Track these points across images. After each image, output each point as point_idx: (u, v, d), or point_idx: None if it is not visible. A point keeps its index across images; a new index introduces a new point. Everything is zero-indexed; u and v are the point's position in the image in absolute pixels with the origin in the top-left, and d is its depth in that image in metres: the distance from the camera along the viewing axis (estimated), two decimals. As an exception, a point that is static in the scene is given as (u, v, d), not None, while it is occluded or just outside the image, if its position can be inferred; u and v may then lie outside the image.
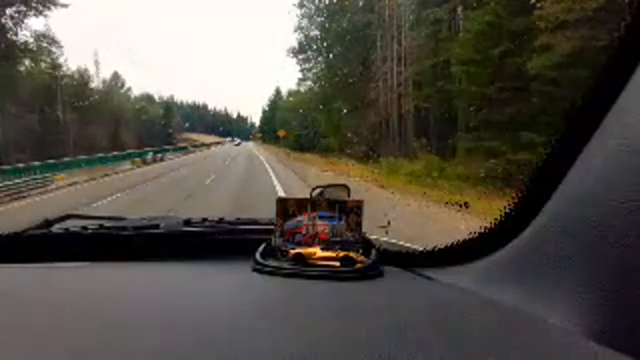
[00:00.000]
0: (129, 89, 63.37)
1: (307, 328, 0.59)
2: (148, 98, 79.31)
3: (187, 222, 1.18)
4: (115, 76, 61.73)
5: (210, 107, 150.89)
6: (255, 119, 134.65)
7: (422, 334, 0.56)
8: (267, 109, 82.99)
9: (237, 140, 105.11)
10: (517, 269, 0.66)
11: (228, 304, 0.72)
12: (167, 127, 71.68)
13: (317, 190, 1.10)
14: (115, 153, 30.98)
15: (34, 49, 31.59)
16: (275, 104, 70.89)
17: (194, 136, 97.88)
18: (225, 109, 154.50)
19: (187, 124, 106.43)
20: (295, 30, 34.84)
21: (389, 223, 2.23)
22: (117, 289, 0.82)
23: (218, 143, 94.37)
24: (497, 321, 0.61)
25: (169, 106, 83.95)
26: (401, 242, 1.11)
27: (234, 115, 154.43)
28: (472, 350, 0.50)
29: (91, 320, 0.62)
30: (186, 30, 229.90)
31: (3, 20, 28.23)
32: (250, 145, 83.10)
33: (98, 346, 0.52)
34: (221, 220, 1.24)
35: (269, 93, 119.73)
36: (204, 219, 1.23)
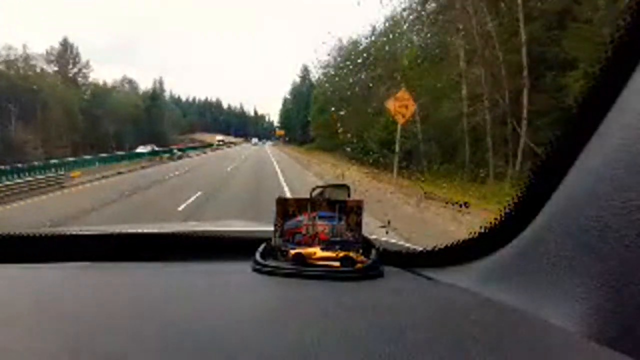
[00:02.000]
0: (86, 64, 43.79)
1: (307, 328, 0.59)
2: (130, 85, 60.85)
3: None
4: (65, 45, 40.67)
5: (225, 105, 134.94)
6: (273, 117, 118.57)
7: (422, 333, 0.56)
8: (289, 97, 64.27)
9: (254, 140, 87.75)
10: (517, 269, 0.66)
11: (228, 304, 0.72)
12: (154, 125, 57.52)
13: (317, 190, 1.09)
14: None
15: None
16: (306, 85, 50.11)
17: (200, 136, 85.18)
18: (241, 106, 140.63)
19: (185, 123, 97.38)
20: None
21: (389, 222, 2.23)
22: (117, 289, 0.82)
23: (224, 144, 70.85)
24: (497, 321, 0.61)
25: (155, 97, 66.13)
26: (401, 242, 1.11)
27: (251, 113, 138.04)
28: (472, 350, 0.50)
29: (91, 320, 0.62)
30: (198, 26, 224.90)
31: None
32: (267, 148, 58.77)
33: (98, 346, 0.52)
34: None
35: (292, 80, 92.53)
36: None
